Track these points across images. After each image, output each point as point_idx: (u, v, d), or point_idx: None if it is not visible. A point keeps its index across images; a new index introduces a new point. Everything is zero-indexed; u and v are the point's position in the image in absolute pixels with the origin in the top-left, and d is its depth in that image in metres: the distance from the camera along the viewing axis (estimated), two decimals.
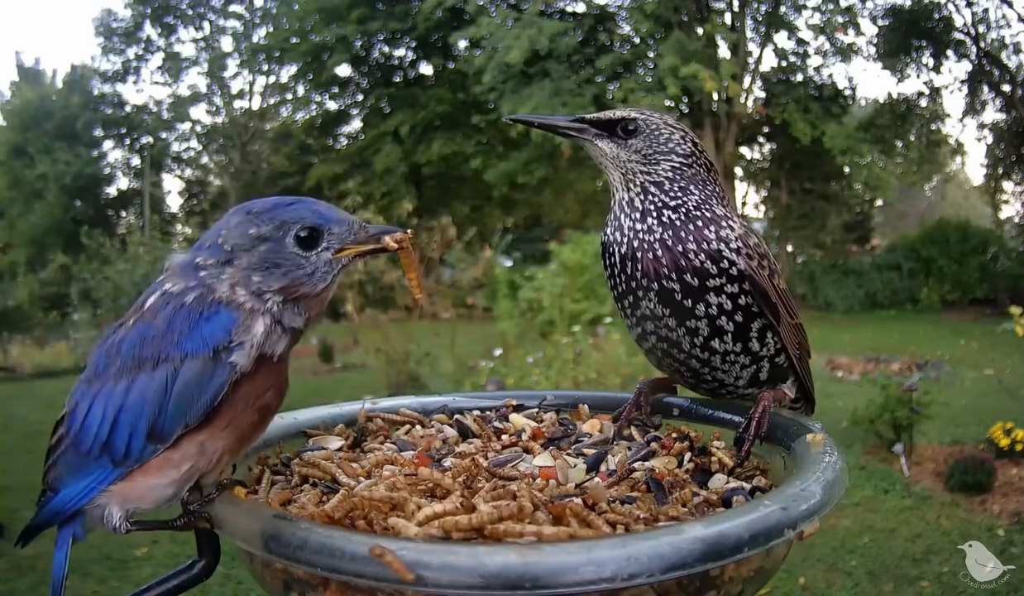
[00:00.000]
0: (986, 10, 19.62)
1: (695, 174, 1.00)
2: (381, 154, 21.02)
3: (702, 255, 0.95)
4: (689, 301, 0.95)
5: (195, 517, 0.77)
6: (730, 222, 0.98)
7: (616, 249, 1.00)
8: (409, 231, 0.79)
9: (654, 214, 0.98)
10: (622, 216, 1.00)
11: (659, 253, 0.96)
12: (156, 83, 34.23)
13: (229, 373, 0.71)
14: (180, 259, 0.78)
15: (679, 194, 0.98)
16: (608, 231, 1.02)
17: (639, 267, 0.97)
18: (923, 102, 21.13)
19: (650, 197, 0.99)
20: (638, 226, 0.98)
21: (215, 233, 0.76)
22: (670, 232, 0.96)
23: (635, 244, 0.97)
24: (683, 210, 0.97)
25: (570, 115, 1.07)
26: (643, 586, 0.59)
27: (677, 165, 1.00)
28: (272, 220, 0.75)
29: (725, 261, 0.95)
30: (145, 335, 0.73)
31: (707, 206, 0.98)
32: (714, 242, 0.95)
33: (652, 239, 0.96)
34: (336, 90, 23.66)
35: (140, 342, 0.73)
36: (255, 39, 26.29)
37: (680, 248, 0.95)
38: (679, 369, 1.03)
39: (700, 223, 0.97)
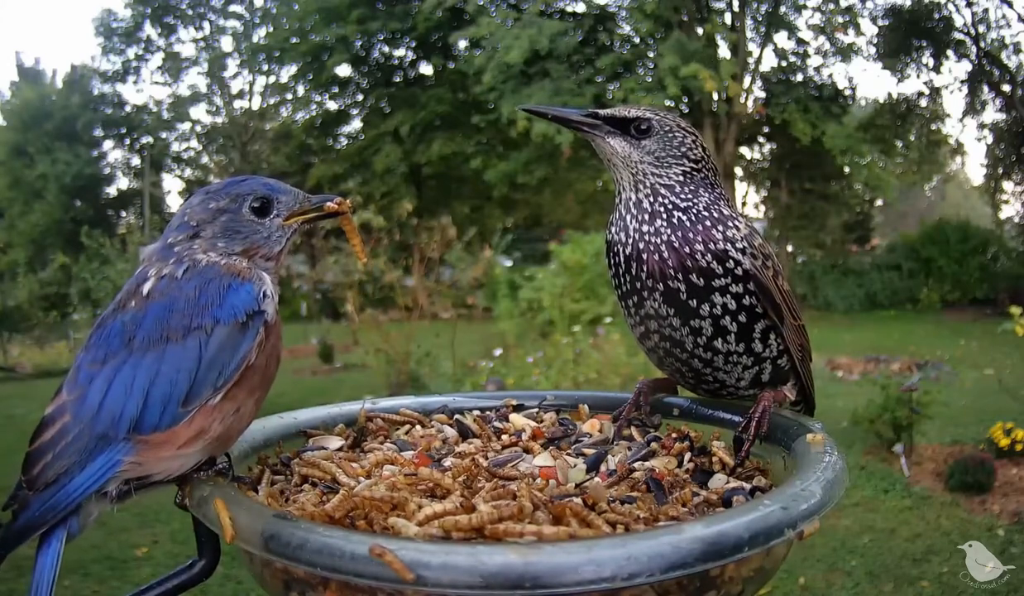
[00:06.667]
0: (986, 10, 19.64)
1: (704, 178, 1.00)
2: (381, 154, 21.02)
3: (708, 255, 0.95)
4: (694, 301, 0.95)
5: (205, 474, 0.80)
6: (736, 222, 0.98)
7: (621, 249, 0.99)
8: (347, 199, 0.89)
9: (664, 216, 0.97)
10: (628, 217, 1.00)
11: (665, 254, 0.96)
12: (156, 83, 34.35)
13: (258, 332, 0.79)
14: (153, 247, 0.85)
15: (690, 196, 0.98)
16: (613, 231, 1.02)
17: (644, 268, 0.97)
18: (923, 102, 21.15)
19: (660, 199, 0.98)
20: (645, 227, 0.98)
21: (180, 215, 0.85)
22: (679, 233, 0.96)
23: (640, 245, 0.97)
24: (693, 211, 0.97)
25: (582, 109, 1.06)
26: (643, 586, 0.59)
27: (688, 169, 1.00)
28: (228, 194, 0.85)
29: (731, 261, 0.95)
30: (172, 308, 0.78)
31: (716, 207, 0.98)
32: (720, 242, 0.95)
33: (659, 240, 0.96)
34: (336, 90, 23.66)
35: (167, 315, 0.77)
36: (255, 39, 26.26)
37: (687, 249, 0.95)
38: (680, 369, 1.03)
39: (708, 223, 0.97)
